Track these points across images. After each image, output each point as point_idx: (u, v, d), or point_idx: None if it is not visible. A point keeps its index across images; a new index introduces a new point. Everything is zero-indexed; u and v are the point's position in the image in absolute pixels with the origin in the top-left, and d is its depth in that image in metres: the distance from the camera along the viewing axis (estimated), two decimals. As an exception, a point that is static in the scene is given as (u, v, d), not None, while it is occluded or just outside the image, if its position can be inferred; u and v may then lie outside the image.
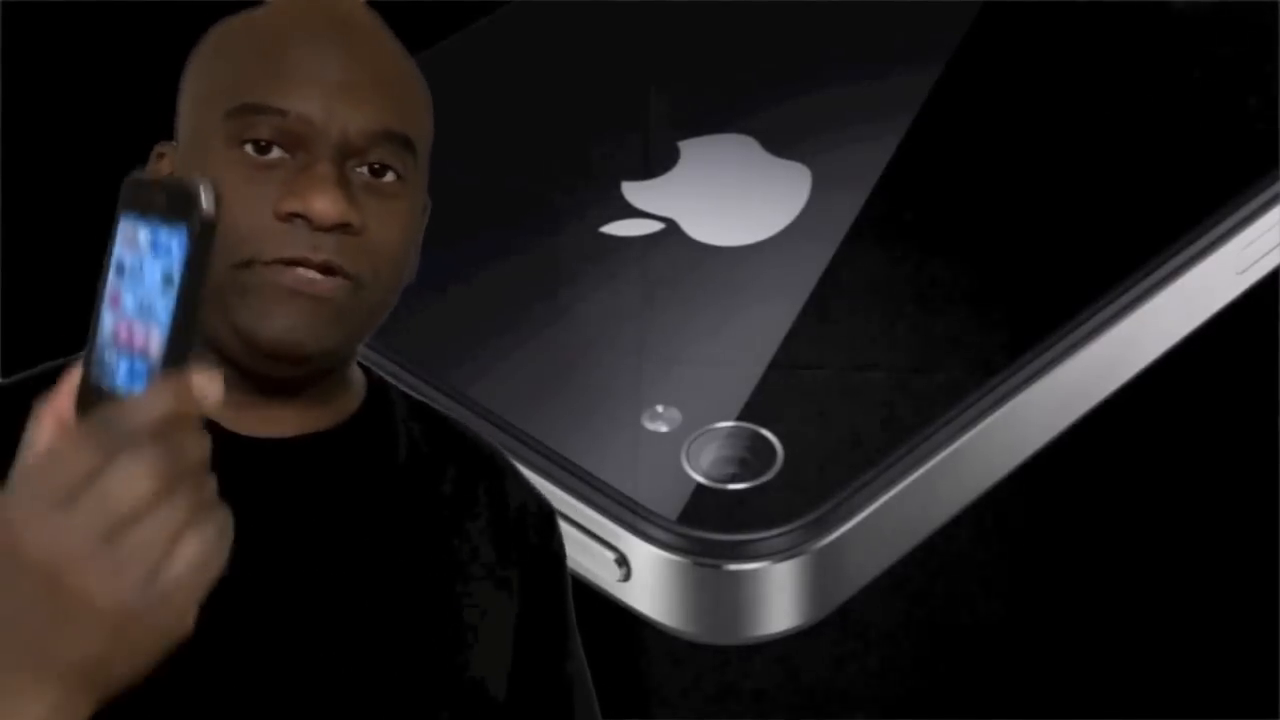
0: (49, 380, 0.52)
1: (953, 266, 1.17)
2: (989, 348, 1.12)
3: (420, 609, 0.70)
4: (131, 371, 0.49)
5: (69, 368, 0.51)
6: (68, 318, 0.60)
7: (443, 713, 0.69)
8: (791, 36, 1.33)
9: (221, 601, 0.64)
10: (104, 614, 0.48)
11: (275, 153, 0.66)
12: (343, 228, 0.66)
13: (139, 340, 0.48)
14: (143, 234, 0.48)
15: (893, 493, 1.05)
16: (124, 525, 0.48)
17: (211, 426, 0.64)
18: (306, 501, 0.69)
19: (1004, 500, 1.11)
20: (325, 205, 0.65)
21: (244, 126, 0.66)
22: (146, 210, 0.48)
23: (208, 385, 0.49)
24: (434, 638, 0.70)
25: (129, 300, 0.49)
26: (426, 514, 0.73)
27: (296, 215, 0.65)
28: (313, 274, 0.65)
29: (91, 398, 0.50)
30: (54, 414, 0.51)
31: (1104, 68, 1.30)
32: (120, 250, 0.49)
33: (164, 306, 0.48)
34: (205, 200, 0.47)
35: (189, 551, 0.49)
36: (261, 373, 0.68)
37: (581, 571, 1.05)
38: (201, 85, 0.69)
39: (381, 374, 0.76)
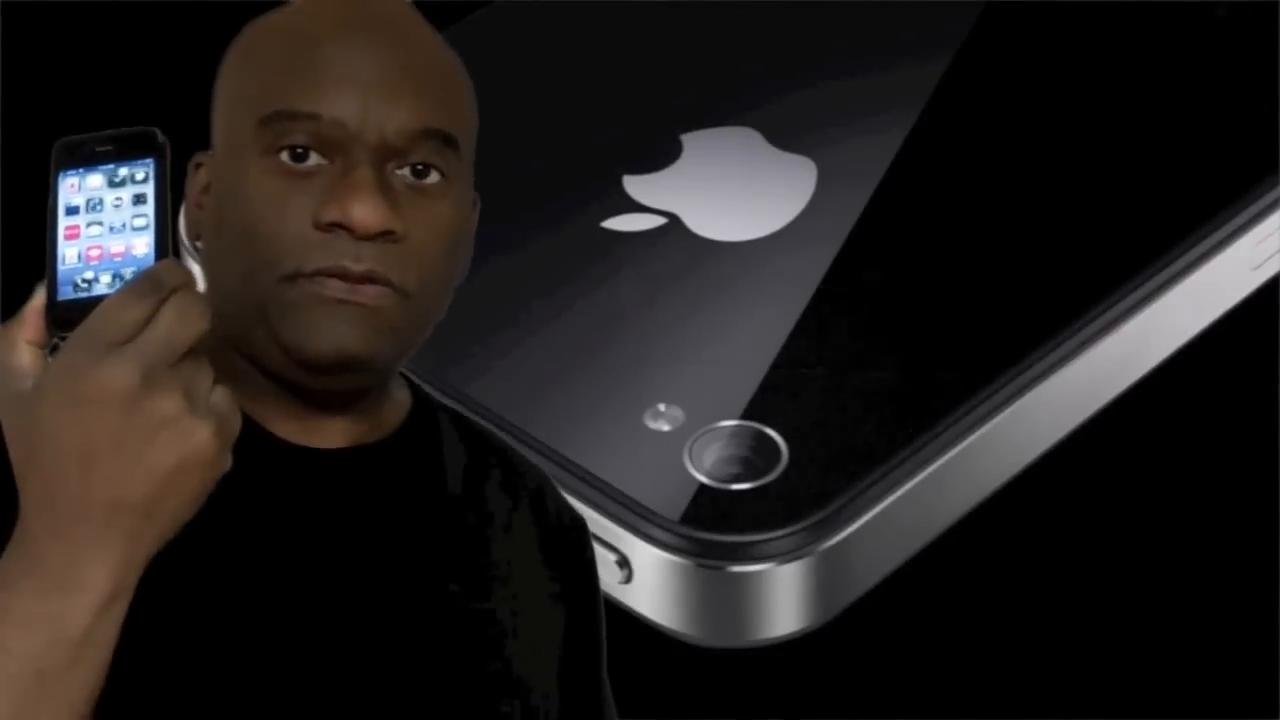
0: None
1: (961, 262, 1.16)
2: (998, 345, 1.11)
3: (476, 625, 0.70)
4: (117, 275, 0.57)
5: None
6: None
7: None
8: (795, 28, 1.32)
9: (272, 609, 0.64)
10: (165, 445, 0.53)
11: (313, 159, 0.65)
12: (385, 235, 0.64)
13: (117, 250, 0.57)
14: (94, 179, 0.58)
15: (899, 493, 1.04)
16: (177, 359, 0.53)
17: (260, 433, 0.66)
18: (354, 513, 0.68)
19: (1010, 500, 1.11)
20: (365, 213, 0.63)
21: (278, 134, 0.65)
22: (92, 160, 0.58)
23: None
24: (489, 654, 0.69)
25: (93, 229, 0.57)
26: (474, 528, 0.72)
27: (337, 225, 0.64)
28: (355, 283, 0.64)
29: (68, 314, 0.57)
30: (30, 338, 0.56)
31: (1115, 58, 1.29)
32: (66, 198, 0.58)
33: (145, 216, 0.57)
34: (159, 134, 0.59)
35: (222, 391, 0.55)
36: (308, 386, 0.67)
37: (583, 573, 1.05)
38: (232, 92, 0.68)
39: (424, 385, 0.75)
